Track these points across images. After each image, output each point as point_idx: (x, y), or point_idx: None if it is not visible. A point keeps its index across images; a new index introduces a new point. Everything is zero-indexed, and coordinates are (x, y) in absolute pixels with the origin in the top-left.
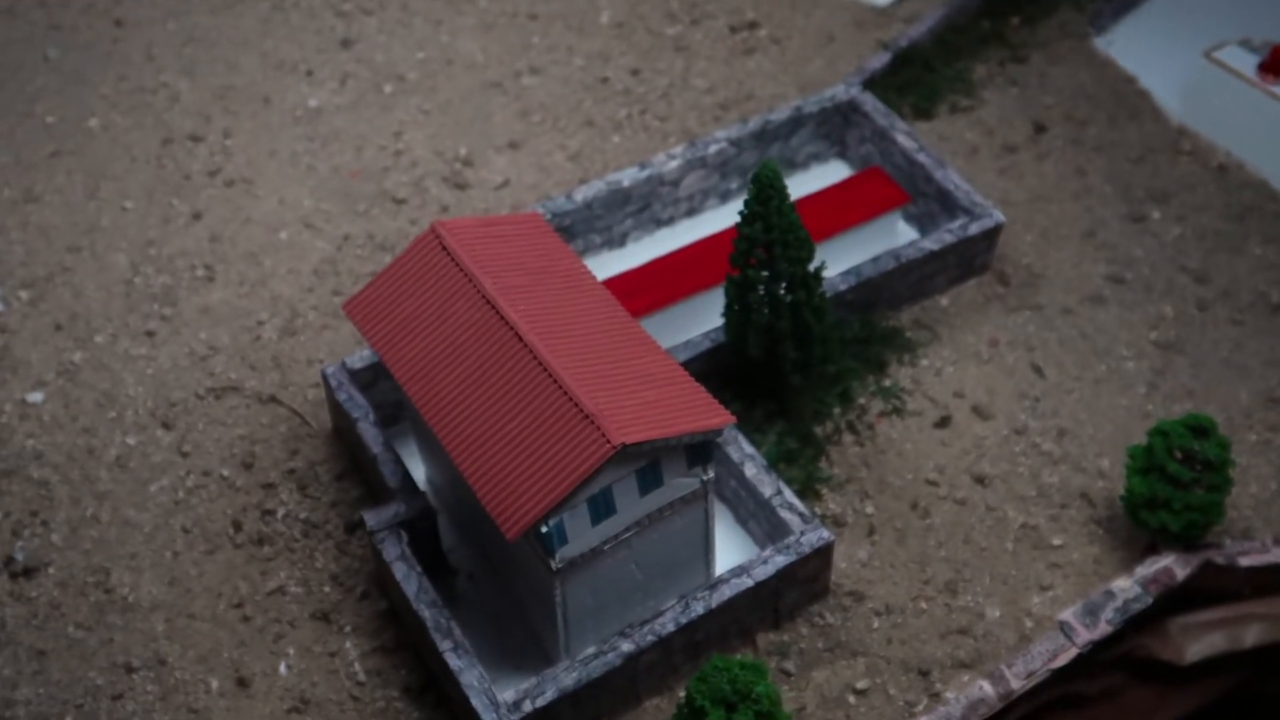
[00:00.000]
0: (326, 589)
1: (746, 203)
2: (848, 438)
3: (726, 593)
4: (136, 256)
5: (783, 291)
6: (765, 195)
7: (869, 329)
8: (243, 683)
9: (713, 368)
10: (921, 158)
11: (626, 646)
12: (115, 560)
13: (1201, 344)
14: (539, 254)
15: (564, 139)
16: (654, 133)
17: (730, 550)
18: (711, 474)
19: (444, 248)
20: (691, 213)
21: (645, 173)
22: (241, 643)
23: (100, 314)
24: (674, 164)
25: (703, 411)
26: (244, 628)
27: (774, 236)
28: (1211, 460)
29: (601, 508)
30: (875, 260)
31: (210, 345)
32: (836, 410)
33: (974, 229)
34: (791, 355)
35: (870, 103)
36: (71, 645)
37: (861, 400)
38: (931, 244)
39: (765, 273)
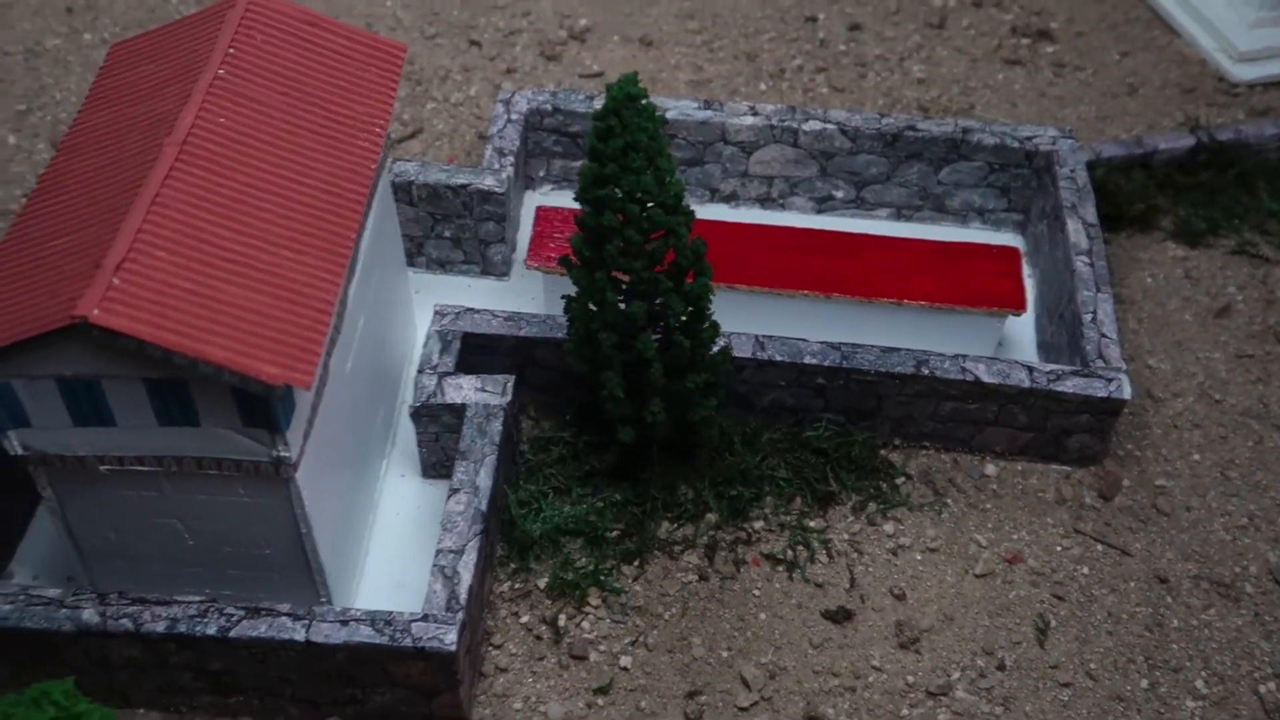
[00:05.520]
0: None
1: (594, 122)
2: (692, 558)
3: (259, 630)
4: None
5: (618, 288)
6: (607, 130)
7: (841, 442)
8: None
9: (569, 369)
10: (1079, 264)
11: (88, 615)
12: None
13: None
14: (338, 85)
15: (706, 60)
16: (813, 99)
17: None
18: (286, 453)
19: (224, 20)
20: (766, 201)
21: (704, 113)
22: None
23: None
24: (747, 120)
25: (267, 352)
26: None
27: (609, 194)
28: None
29: (86, 405)
30: (887, 352)
31: None
32: (712, 516)
33: (1066, 387)
34: (613, 388)
35: (1071, 162)
36: None
37: (757, 524)
38: (983, 373)
39: (605, 247)
